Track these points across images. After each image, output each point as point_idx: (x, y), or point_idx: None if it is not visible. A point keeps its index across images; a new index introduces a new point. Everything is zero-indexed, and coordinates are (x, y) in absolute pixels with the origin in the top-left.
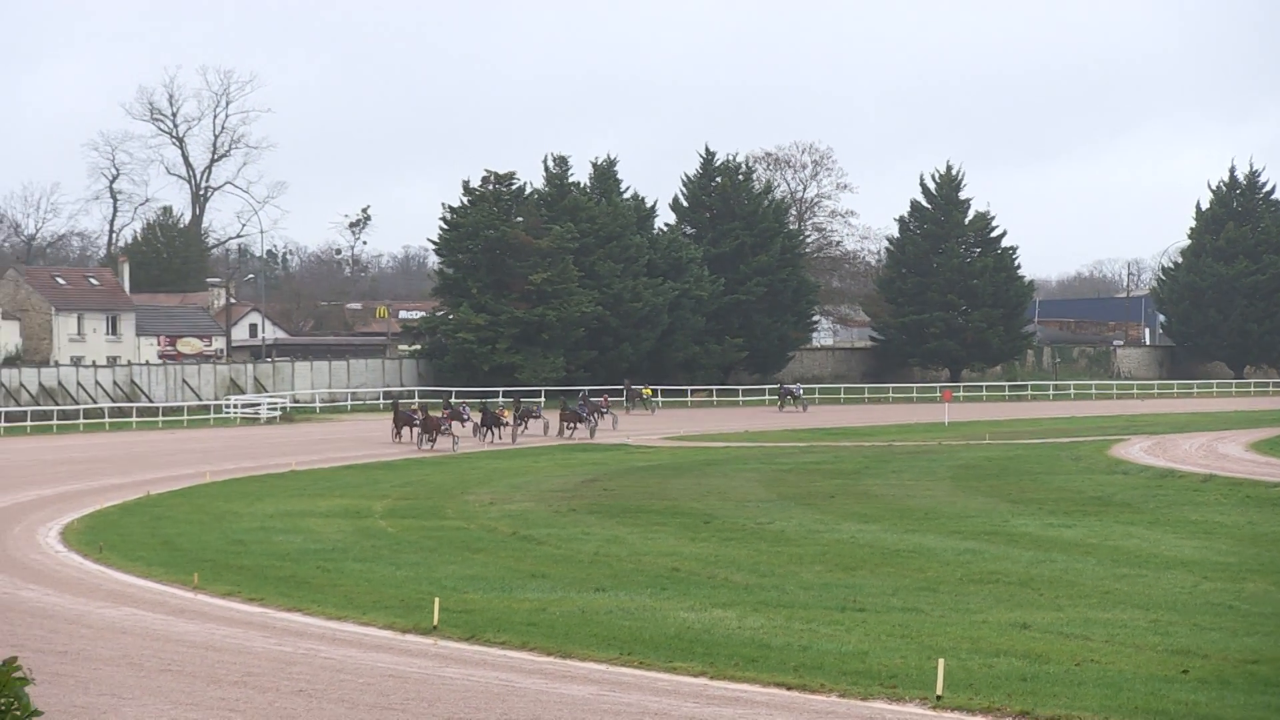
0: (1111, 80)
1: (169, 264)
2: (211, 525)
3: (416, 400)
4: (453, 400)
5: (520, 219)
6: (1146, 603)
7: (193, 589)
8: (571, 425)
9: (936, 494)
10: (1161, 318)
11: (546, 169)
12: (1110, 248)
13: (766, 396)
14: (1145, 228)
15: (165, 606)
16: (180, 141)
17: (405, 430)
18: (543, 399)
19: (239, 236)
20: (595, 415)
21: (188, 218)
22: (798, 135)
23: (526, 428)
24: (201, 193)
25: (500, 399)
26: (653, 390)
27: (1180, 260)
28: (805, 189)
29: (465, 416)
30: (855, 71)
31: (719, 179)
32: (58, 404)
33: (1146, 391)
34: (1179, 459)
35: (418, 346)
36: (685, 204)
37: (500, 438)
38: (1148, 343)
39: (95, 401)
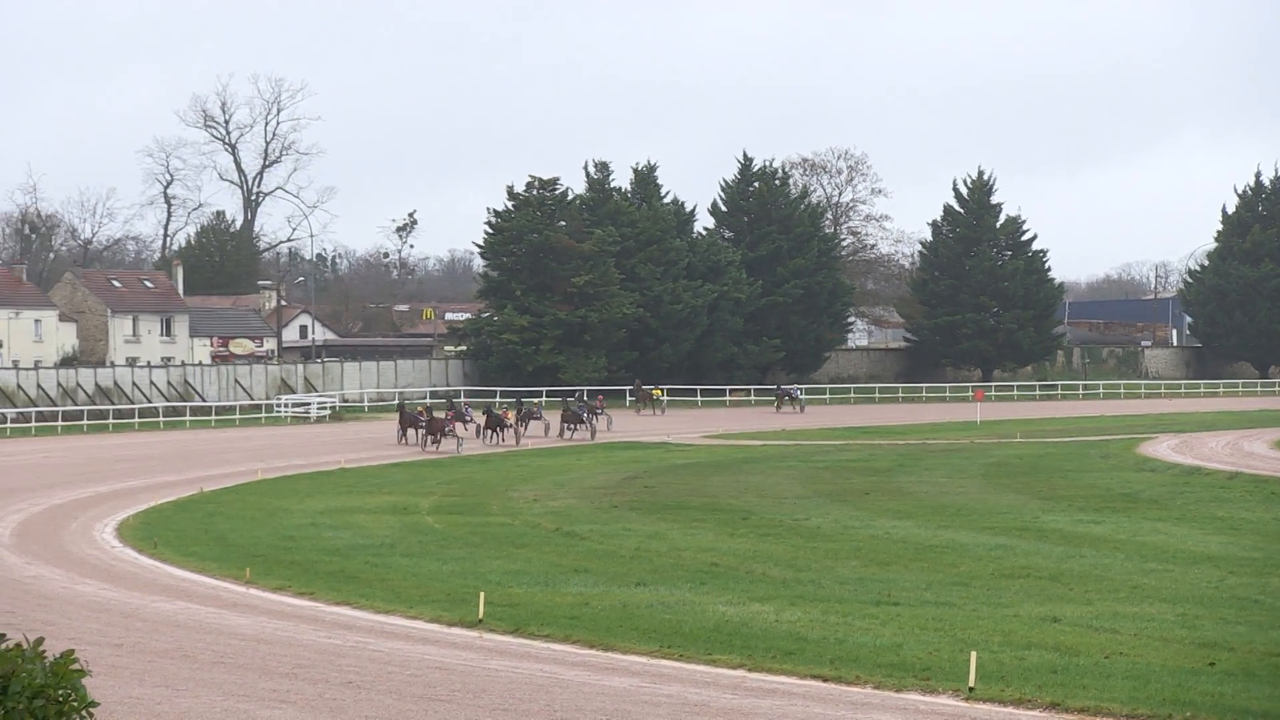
0: (1142, 87)
1: (221, 267)
2: (263, 521)
3: (429, 400)
4: (455, 401)
5: (563, 223)
6: (1174, 597)
7: (245, 584)
8: (572, 426)
9: (969, 491)
10: (1188, 319)
11: (588, 174)
12: (1138, 251)
13: (804, 395)
14: (1173, 231)
15: (218, 600)
16: (233, 148)
17: (410, 432)
18: (543, 399)
19: (289, 240)
20: (592, 416)
21: (240, 222)
22: (834, 140)
23: (526, 429)
24: (253, 198)
25: (543, 398)
26: (662, 390)
27: (1207, 263)
28: (841, 194)
29: (468, 418)
30: (890, 78)
31: (757, 184)
32: (113, 403)
33: (1174, 391)
34: (1205, 457)
35: (463, 347)
36: (724, 208)
37: (504, 439)
38: (1175, 344)
39: (150, 401)
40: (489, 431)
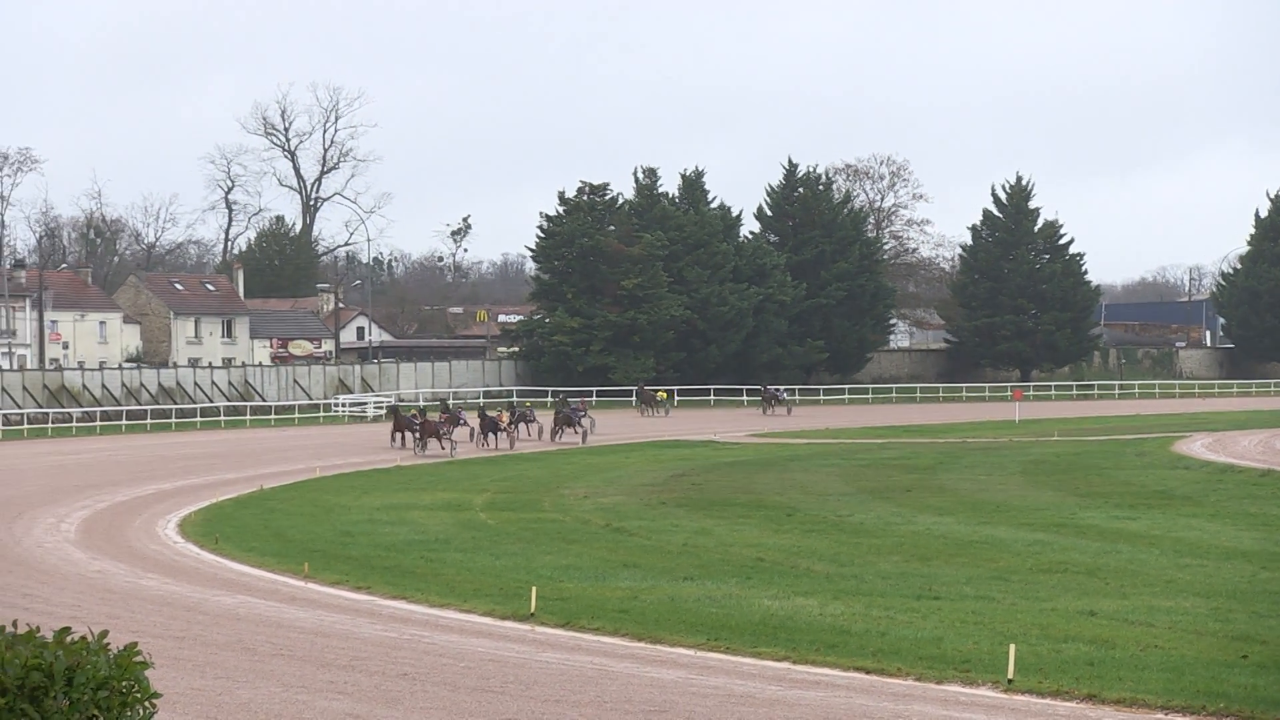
0: (1183, 96)
1: (281, 271)
2: (321, 518)
3: (421, 403)
4: (450, 404)
5: (613, 228)
6: (1208, 591)
7: (303, 578)
8: (561, 429)
9: (1008, 488)
10: (1221, 321)
11: (637, 180)
12: (1173, 254)
13: (847, 395)
14: (1207, 236)
15: (277, 594)
16: (292, 155)
17: (404, 435)
18: (593, 399)
19: (347, 245)
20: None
21: (298, 227)
22: (877, 146)
23: (518, 431)
24: (311, 203)
25: (593, 397)
26: (667, 393)
27: (1239, 266)
28: (883, 199)
29: (463, 421)
30: (935, 85)
31: (801, 190)
32: (176, 403)
33: (1207, 391)
34: (1238, 455)
35: (516, 348)
36: (769, 213)
37: (498, 443)
38: (1208, 344)
39: (211, 401)
40: (484, 435)
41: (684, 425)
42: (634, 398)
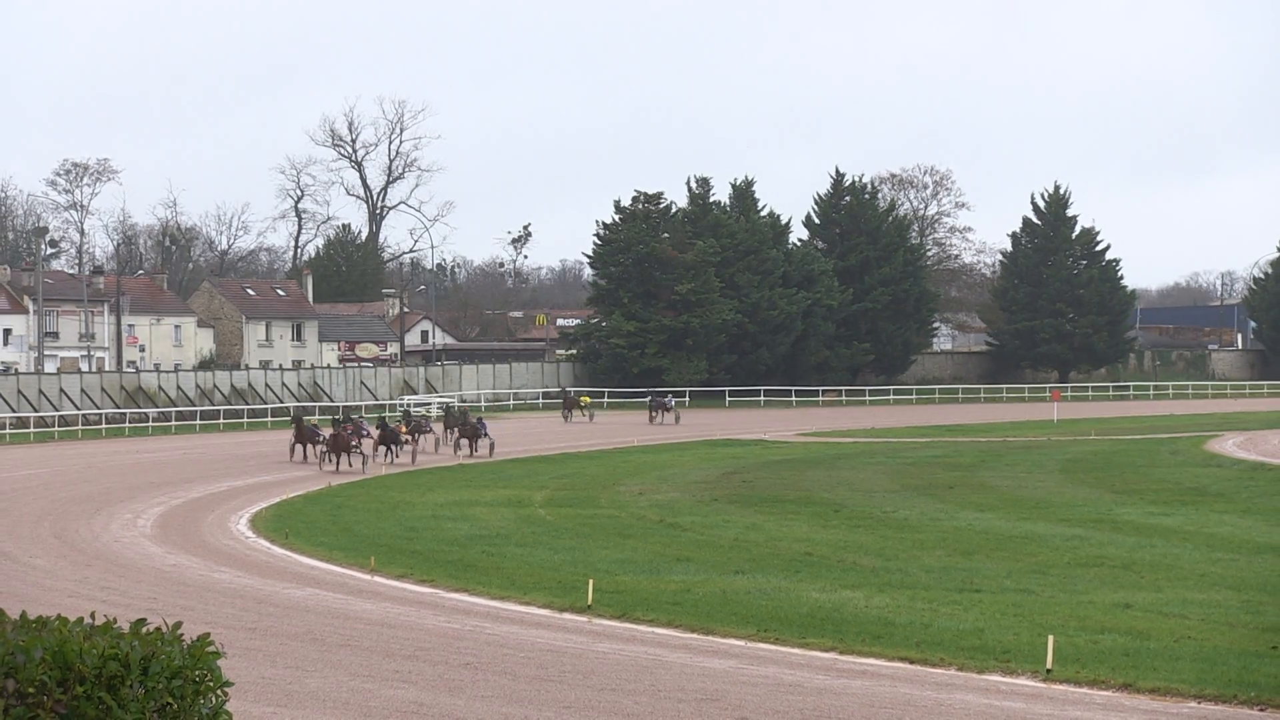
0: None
1: (348, 276)
2: (387, 514)
3: (317, 415)
4: (354, 415)
5: (667, 235)
6: (1239, 585)
7: (370, 571)
8: (462, 441)
9: (1047, 485)
10: (1253, 324)
11: (690, 189)
12: (1206, 260)
13: (892, 396)
14: (1238, 242)
15: (345, 587)
16: (359, 165)
17: (305, 448)
18: (676, 398)
19: (412, 251)
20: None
21: (365, 234)
22: (921, 154)
23: (416, 442)
24: (378, 212)
25: (672, 398)
26: (590, 398)
27: (1270, 271)
28: (926, 207)
29: (365, 433)
30: (979, 96)
31: (848, 198)
32: (248, 403)
33: (1239, 392)
34: (1269, 453)
35: (574, 351)
36: (817, 221)
37: (398, 456)
38: (1240, 347)
39: (282, 401)
40: (384, 448)
41: (735, 425)
42: (561, 404)
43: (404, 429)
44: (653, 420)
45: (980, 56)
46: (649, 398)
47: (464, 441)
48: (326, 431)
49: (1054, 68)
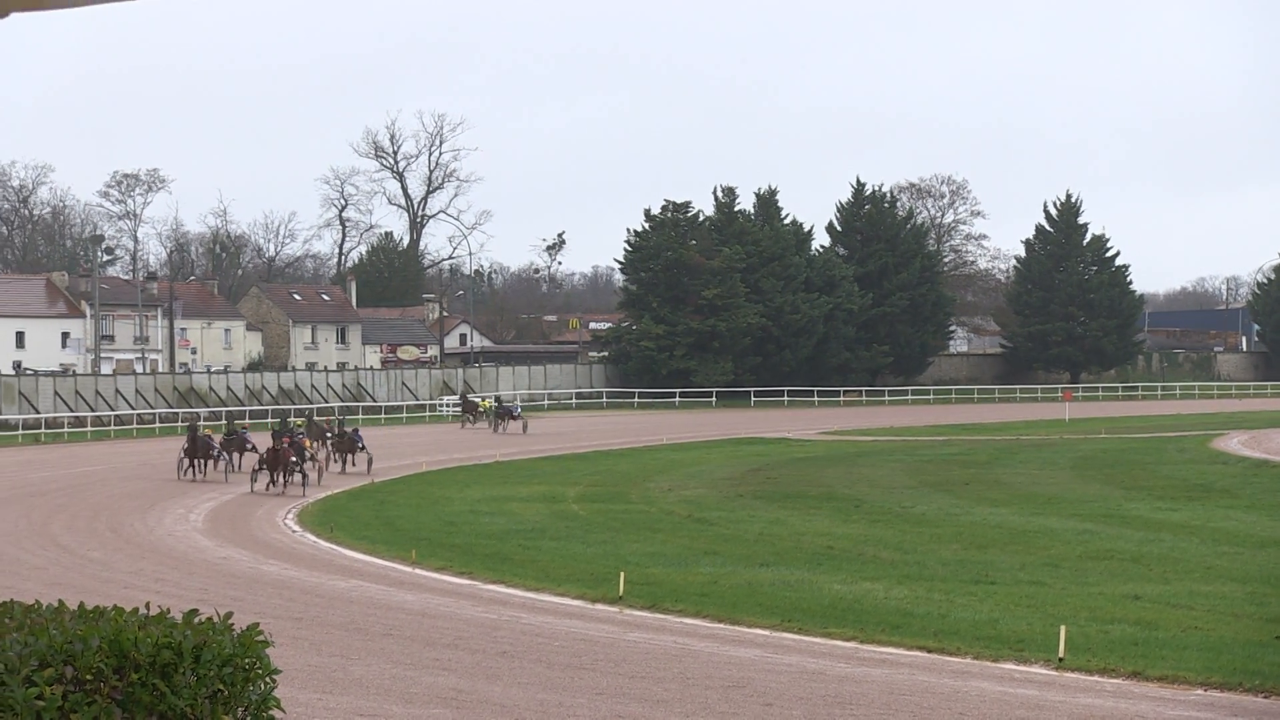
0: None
1: (390, 282)
2: (427, 509)
3: (204, 424)
4: (236, 424)
5: (694, 242)
6: (1244, 577)
7: (411, 564)
8: (335, 455)
9: (1058, 482)
10: (1256, 327)
11: (716, 198)
12: (1211, 266)
13: (910, 396)
14: (1242, 248)
15: (387, 579)
16: (400, 176)
17: (196, 465)
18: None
19: (450, 258)
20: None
21: (406, 242)
22: (937, 160)
23: (232, 462)
24: (418, 220)
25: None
26: (492, 402)
27: (1273, 276)
28: (943, 215)
29: (250, 446)
30: (994, 106)
31: (868, 206)
32: (294, 404)
33: (1243, 392)
34: (1273, 451)
35: (605, 353)
36: (838, 228)
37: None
38: (1244, 349)
39: (326, 401)
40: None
41: (759, 424)
42: (461, 409)
43: (308, 442)
44: (496, 430)
45: (996, 72)
46: (496, 406)
47: (338, 456)
48: (262, 442)
49: (1067, 84)
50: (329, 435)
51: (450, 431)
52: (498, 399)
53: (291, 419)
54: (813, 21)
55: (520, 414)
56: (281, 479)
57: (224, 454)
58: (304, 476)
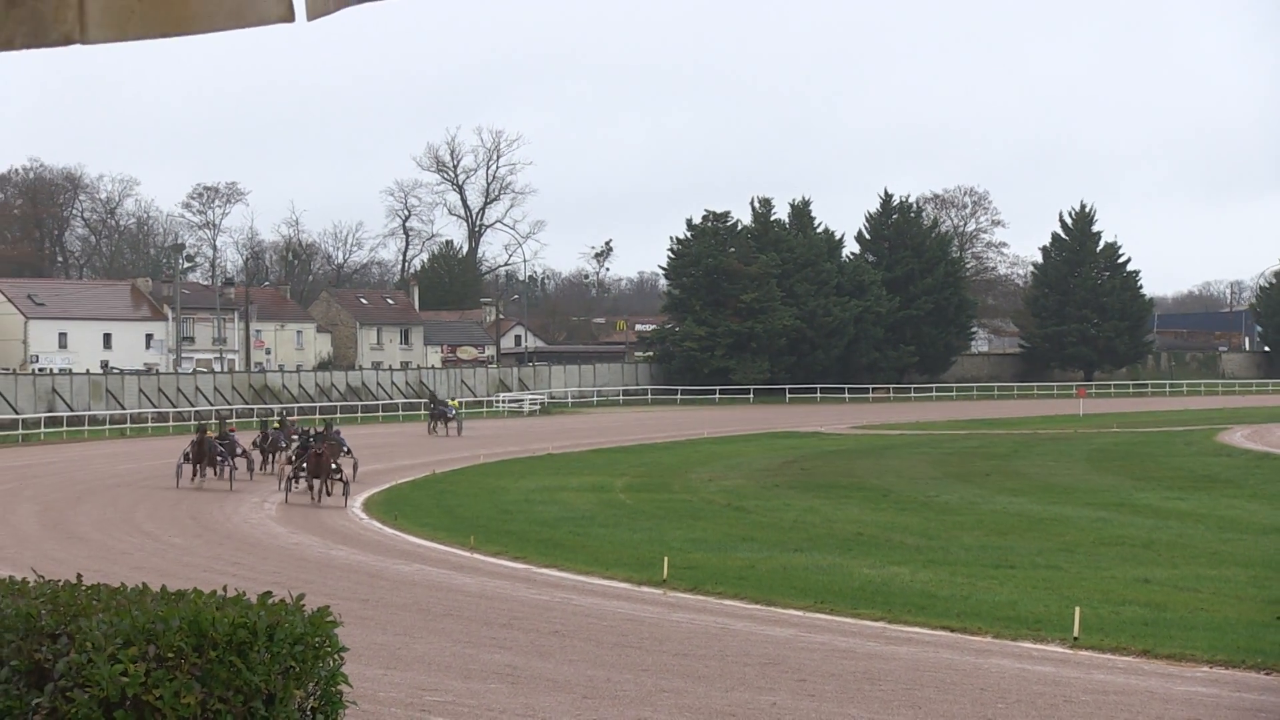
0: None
1: (450, 287)
2: (484, 498)
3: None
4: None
5: (733, 249)
6: (1247, 562)
7: (469, 549)
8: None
9: (1074, 473)
10: (1259, 328)
11: (753, 209)
12: (1217, 270)
13: (935, 393)
14: (1246, 254)
15: (447, 563)
16: (460, 188)
17: (201, 470)
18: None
19: (506, 265)
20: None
21: (465, 249)
22: (959, 173)
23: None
24: (476, 229)
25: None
26: (458, 404)
27: (1275, 280)
28: (965, 224)
29: (240, 451)
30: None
31: (895, 216)
32: (361, 400)
33: (1247, 389)
34: (1274, 444)
35: (650, 353)
36: (867, 236)
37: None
38: (1248, 349)
39: (391, 398)
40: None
41: (794, 419)
42: (430, 414)
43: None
44: (432, 431)
45: (1015, 90)
46: (432, 408)
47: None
48: (258, 445)
49: (1083, 101)
50: (295, 437)
51: (507, 426)
52: (433, 396)
53: (271, 419)
54: (846, 47)
55: (455, 415)
56: (323, 488)
57: (228, 458)
58: (344, 485)
